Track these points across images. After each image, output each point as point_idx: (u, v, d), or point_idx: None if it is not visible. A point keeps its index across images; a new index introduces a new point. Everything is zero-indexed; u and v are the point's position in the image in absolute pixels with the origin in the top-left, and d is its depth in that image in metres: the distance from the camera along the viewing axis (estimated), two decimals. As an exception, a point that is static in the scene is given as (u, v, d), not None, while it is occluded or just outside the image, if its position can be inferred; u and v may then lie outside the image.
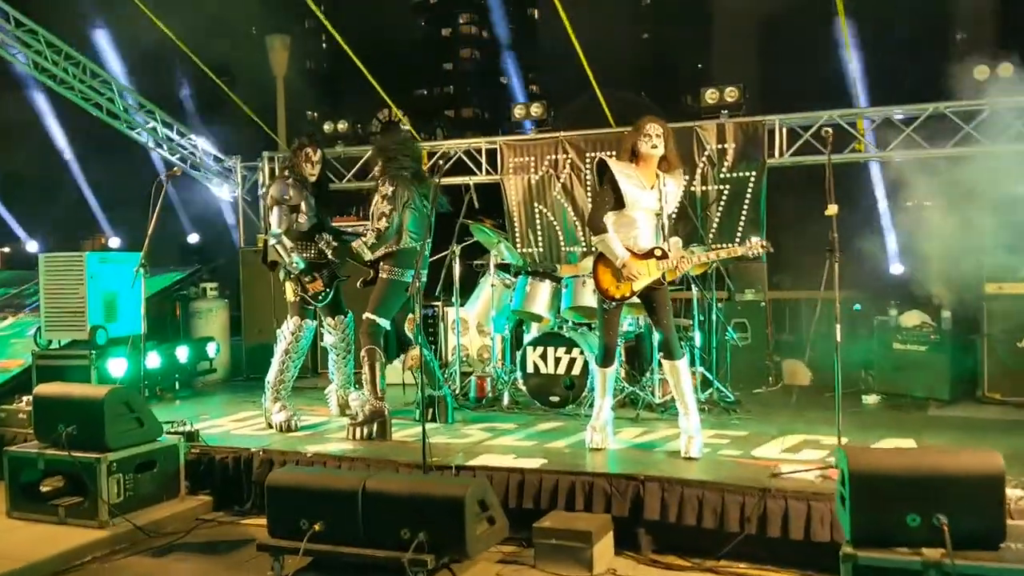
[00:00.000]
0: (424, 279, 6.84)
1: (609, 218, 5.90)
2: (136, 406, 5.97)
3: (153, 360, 8.64)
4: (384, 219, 6.71)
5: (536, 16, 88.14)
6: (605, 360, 6.10)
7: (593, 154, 9.43)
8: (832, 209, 5.34)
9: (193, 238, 12.96)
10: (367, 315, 6.86)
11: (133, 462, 5.80)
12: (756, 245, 5.90)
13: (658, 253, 5.87)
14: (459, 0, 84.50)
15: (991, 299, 7.58)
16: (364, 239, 6.78)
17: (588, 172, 9.48)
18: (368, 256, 6.83)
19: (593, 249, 6.06)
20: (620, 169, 5.87)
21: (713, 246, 6.14)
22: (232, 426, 7.36)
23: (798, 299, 10.52)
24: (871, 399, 7.72)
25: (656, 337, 6.06)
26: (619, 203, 5.85)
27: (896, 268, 9.32)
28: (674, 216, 5.97)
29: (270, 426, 7.09)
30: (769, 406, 7.61)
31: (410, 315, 7.00)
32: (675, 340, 5.95)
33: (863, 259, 8.67)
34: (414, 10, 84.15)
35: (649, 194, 5.88)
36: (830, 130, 5.68)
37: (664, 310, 5.94)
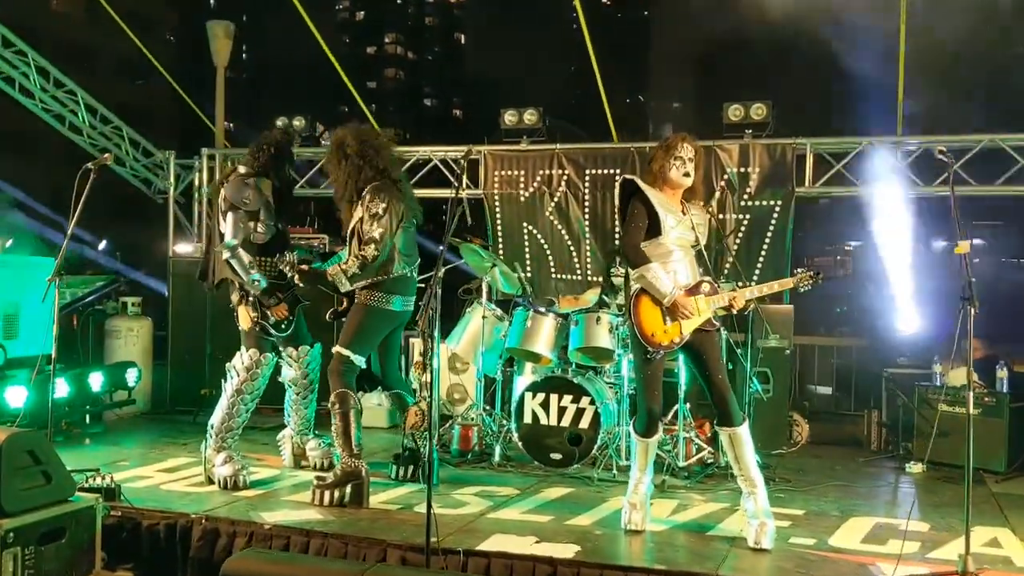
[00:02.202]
0: (410, 307, 5.77)
1: (643, 248, 4.83)
2: (43, 456, 4.62)
3: (60, 388, 7.06)
4: (374, 245, 5.36)
5: (462, 40, 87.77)
6: (648, 428, 4.94)
7: (594, 171, 8.33)
8: (964, 246, 4.31)
9: (101, 245, 11.27)
10: (338, 349, 5.55)
11: (36, 531, 4.47)
12: (804, 277, 4.91)
13: (706, 288, 4.85)
14: (386, 19, 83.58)
15: (1052, 358, 6.69)
16: (344, 266, 5.44)
17: (587, 191, 8.35)
18: (346, 287, 5.51)
19: (630, 285, 4.90)
20: (651, 192, 4.85)
21: (767, 283, 5.05)
22: (161, 478, 5.98)
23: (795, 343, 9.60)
24: (916, 468, 6.72)
25: (709, 397, 4.89)
26: (653, 231, 4.82)
27: (907, 325, 8.10)
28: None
29: (211, 481, 5.74)
30: (803, 472, 6.61)
31: (417, 359, 5.71)
32: (733, 401, 4.84)
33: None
34: (339, 27, 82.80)
35: (682, 223, 4.88)
36: (943, 148, 4.62)
37: (717, 362, 4.89)
